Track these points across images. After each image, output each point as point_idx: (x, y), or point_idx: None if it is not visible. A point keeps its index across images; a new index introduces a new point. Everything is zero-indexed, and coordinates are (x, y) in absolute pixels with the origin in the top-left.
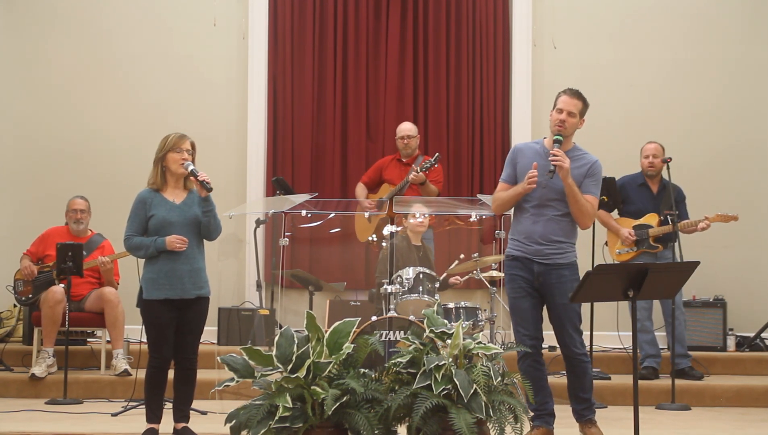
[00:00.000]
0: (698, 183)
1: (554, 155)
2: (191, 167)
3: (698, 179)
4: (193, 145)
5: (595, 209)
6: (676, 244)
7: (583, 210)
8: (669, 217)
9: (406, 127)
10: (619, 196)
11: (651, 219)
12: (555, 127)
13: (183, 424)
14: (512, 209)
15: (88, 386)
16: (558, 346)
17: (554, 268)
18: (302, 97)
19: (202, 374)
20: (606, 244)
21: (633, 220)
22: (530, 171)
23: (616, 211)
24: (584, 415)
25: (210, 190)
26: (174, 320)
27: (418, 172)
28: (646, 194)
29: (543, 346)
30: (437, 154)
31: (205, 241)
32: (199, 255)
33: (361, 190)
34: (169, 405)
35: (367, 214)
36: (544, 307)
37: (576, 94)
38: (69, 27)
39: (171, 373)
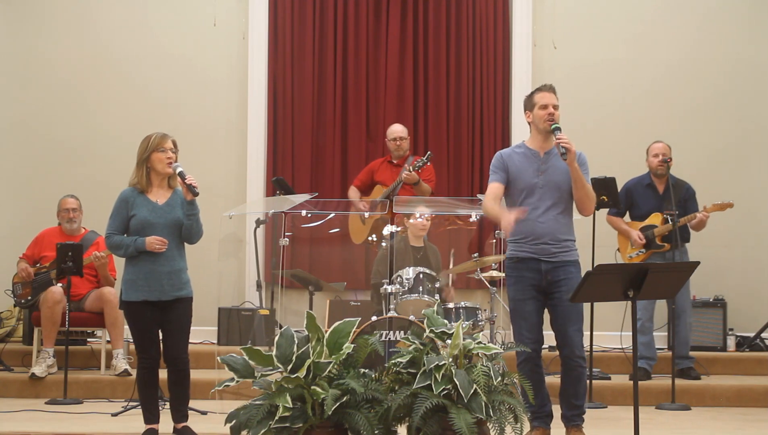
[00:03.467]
0: (698, 184)
1: (561, 138)
2: (179, 169)
3: (698, 180)
4: (174, 144)
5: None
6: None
7: (589, 194)
8: (669, 218)
9: (399, 129)
10: (618, 195)
11: (655, 219)
12: (545, 122)
13: (183, 424)
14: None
15: (88, 386)
16: (557, 347)
17: (561, 265)
18: (302, 97)
19: (202, 374)
20: (618, 249)
21: (641, 222)
22: (511, 219)
23: (627, 215)
24: (573, 421)
25: (196, 194)
26: (157, 320)
27: (410, 172)
28: (652, 195)
29: (543, 346)
30: (429, 152)
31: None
32: (179, 257)
33: (353, 193)
34: (167, 405)
35: (367, 215)
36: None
37: (552, 89)
38: (68, 27)
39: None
